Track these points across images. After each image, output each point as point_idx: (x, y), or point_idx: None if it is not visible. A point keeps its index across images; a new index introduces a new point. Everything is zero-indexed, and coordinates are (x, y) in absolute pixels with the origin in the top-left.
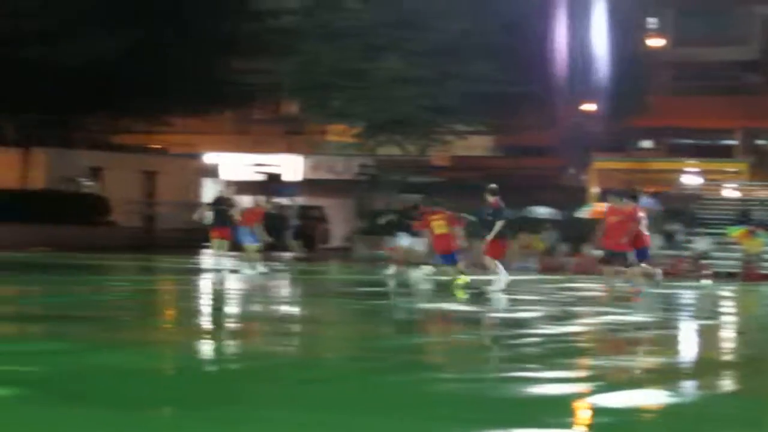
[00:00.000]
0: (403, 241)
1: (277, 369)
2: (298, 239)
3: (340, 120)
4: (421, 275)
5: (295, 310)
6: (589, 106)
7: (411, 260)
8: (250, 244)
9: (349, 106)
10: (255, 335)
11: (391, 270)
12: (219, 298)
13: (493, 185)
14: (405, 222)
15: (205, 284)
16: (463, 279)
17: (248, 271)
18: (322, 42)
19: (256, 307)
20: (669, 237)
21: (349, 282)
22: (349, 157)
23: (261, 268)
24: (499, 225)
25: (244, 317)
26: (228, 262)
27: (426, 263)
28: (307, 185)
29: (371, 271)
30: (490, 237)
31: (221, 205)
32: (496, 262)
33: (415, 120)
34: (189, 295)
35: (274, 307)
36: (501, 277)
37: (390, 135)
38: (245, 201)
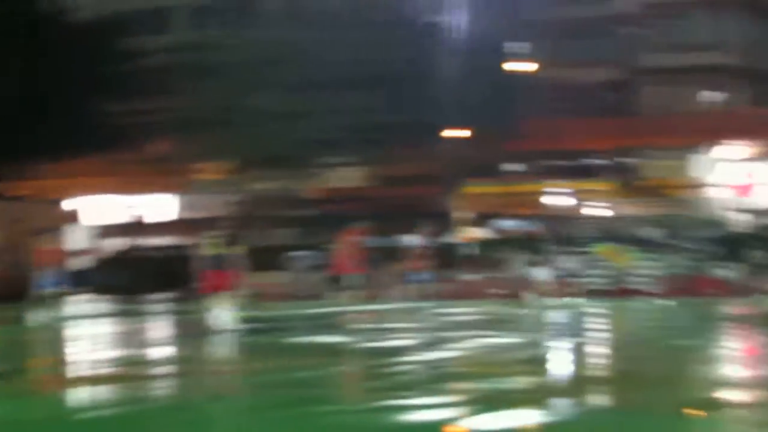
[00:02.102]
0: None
1: (152, 415)
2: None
3: (213, 157)
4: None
5: (169, 351)
6: (462, 133)
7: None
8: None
9: (222, 143)
10: (129, 380)
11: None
12: (93, 344)
13: None
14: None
15: (75, 331)
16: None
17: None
18: (195, 80)
19: (130, 351)
20: (542, 258)
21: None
22: (223, 194)
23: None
24: None
25: (119, 362)
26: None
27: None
28: (180, 225)
29: (246, 306)
30: None
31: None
32: None
33: (289, 155)
34: (57, 343)
35: (146, 350)
36: None
37: (264, 170)
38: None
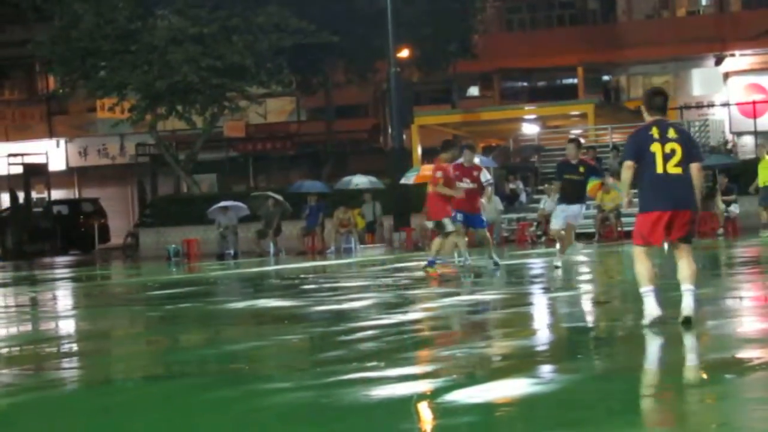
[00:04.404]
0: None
1: (63, 399)
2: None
3: (109, 93)
4: None
5: (72, 324)
6: (406, 54)
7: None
8: None
9: (118, 75)
10: (31, 360)
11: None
12: None
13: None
14: None
15: None
16: None
17: None
18: (82, 2)
19: (28, 326)
20: (510, 198)
21: (137, 285)
22: (124, 137)
23: None
24: None
25: (15, 339)
26: None
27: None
28: (76, 174)
29: (162, 270)
30: None
31: None
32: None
33: (198, 85)
34: None
35: (52, 324)
36: None
37: (171, 106)
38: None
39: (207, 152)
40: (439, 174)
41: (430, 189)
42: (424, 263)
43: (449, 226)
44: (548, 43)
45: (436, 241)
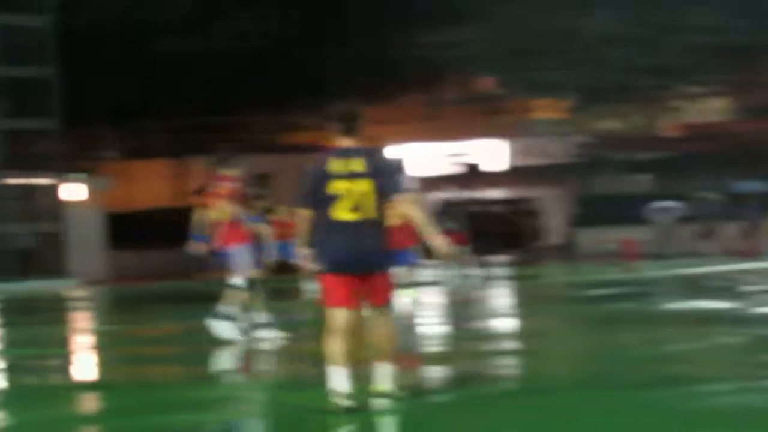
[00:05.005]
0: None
1: (499, 396)
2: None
3: (546, 93)
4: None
5: (511, 323)
6: None
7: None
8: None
9: (555, 75)
10: (465, 357)
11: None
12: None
13: None
14: None
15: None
16: None
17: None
18: (520, 3)
19: (466, 323)
20: None
21: (574, 284)
22: (561, 137)
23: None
24: None
25: (452, 336)
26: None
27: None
28: (514, 174)
29: (599, 270)
30: None
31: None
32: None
33: (635, 85)
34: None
35: (484, 322)
36: None
37: (610, 106)
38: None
39: (644, 151)
40: None
41: None
42: None
43: None
44: None
45: None
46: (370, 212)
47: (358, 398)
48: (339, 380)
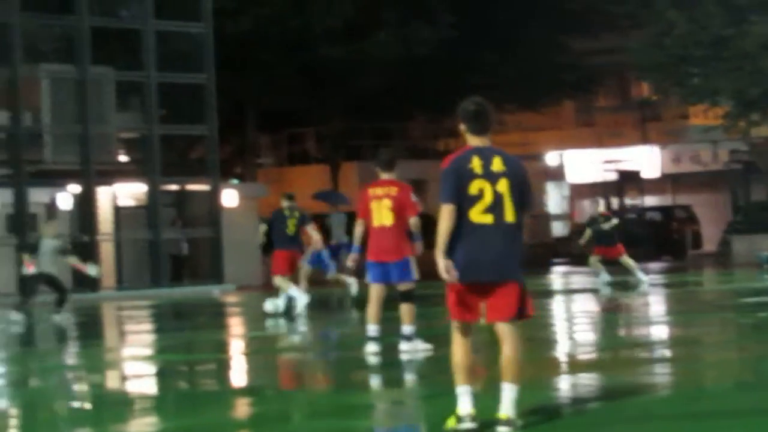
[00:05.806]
0: None
1: (648, 404)
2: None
3: (702, 99)
4: None
5: (665, 330)
6: None
7: None
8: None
9: (710, 81)
10: (615, 364)
11: None
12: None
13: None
14: None
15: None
16: None
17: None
18: (675, 9)
19: (621, 331)
20: None
21: (730, 292)
22: (716, 144)
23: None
24: None
25: (600, 345)
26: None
27: None
28: (669, 181)
29: (755, 277)
30: None
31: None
32: None
33: None
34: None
35: (638, 329)
36: None
37: (764, 112)
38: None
39: None
40: None
41: None
42: None
43: None
44: None
45: None
46: (509, 215)
47: (481, 419)
48: (462, 400)
